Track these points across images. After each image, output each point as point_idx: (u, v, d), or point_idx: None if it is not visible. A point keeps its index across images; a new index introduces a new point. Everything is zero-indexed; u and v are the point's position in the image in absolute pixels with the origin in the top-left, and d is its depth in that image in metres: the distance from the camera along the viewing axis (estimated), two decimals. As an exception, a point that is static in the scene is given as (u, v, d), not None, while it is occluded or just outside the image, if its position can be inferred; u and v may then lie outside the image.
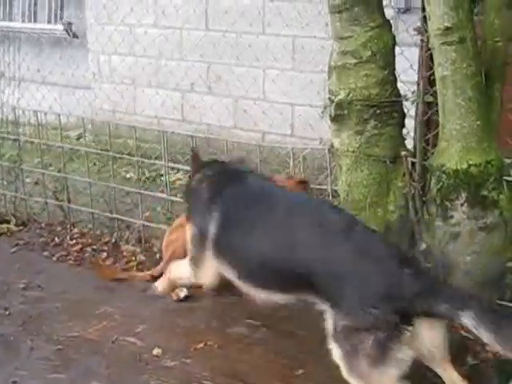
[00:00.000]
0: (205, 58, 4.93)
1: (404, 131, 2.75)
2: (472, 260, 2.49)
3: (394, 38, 2.62)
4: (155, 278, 3.02)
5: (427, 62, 2.60)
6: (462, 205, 2.51)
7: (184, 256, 2.60)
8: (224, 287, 2.53)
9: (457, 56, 2.38)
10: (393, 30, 2.68)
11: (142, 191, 3.53)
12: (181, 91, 5.10)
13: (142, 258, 3.35)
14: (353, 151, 2.65)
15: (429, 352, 2.05)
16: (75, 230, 3.66)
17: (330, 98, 2.68)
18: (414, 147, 2.73)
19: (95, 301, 2.93)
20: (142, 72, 5.22)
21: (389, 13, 2.75)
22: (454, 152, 2.49)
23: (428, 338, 2.02)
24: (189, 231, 2.48)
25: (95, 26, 5.37)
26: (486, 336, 1.87)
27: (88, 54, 5.50)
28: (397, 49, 2.66)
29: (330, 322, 2.08)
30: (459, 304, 1.93)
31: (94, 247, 3.48)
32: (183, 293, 2.85)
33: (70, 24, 5.61)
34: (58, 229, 3.69)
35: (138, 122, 4.66)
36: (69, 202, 3.70)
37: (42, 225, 3.76)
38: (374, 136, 2.63)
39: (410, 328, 1.96)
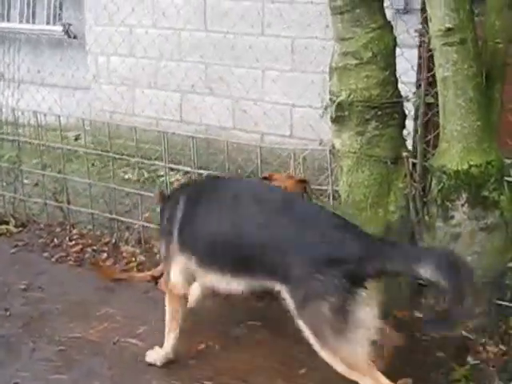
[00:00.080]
0: (205, 59, 4.93)
1: (404, 132, 2.76)
2: (473, 260, 2.49)
3: (394, 39, 2.62)
4: (155, 279, 3.03)
5: (428, 63, 2.61)
6: (462, 205, 2.51)
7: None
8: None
9: (458, 57, 2.39)
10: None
11: (142, 192, 3.53)
12: (181, 92, 5.10)
13: (141, 258, 3.35)
14: (354, 152, 2.66)
15: None
16: (75, 231, 3.67)
17: (331, 99, 2.69)
18: (415, 148, 2.74)
19: (96, 302, 2.94)
20: (142, 73, 5.21)
21: (388, 14, 2.75)
22: (455, 153, 2.50)
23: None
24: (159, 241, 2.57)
25: (94, 27, 5.37)
26: (445, 285, 1.93)
27: (87, 56, 5.50)
28: (397, 50, 2.67)
29: (288, 301, 2.11)
30: (414, 258, 2.00)
31: (94, 248, 3.49)
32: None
33: (69, 25, 5.60)
34: (58, 230, 3.69)
35: (138, 122, 4.66)
36: (68, 203, 3.70)
37: (42, 226, 3.76)
38: (375, 137, 2.63)
39: (364, 290, 1.99)
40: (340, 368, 2.05)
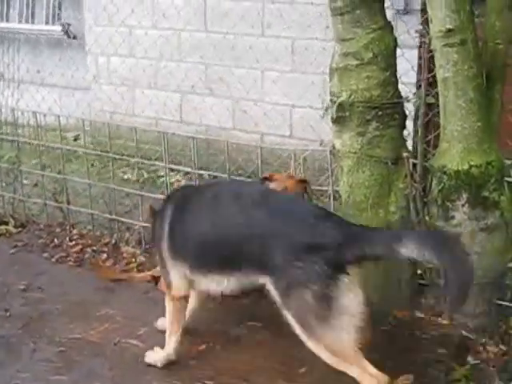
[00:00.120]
0: (205, 59, 4.93)
1: (405, 132, 2.76)
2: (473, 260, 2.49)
3: (395, 39, 2.63)
4: (156, 279, 3.03)
5: (428, 63, 2.62)
6: (463, 206, 2.52)
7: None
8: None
9: (458, 58, 2.40)
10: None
11: (142, 192, 3.53)
12: (181, 92, 5.10)
13: (142, 259, 3.35)
14: (354, 152, 2.66)
15: None
16: (74, 232, 3.66)
17: (331, 100, 2.69)
18: (415, 148, 2.75)
19: (96, 302, 2.93)
20: (142, 73, 5.21)
21: (389, 14, 2.75)
22: (455, 153, 2.50)
23: None
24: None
25: (94, 28, 5.37)
26: (430, 259, 1.96)
27: (87, 56, 5.50)
28: (398, 51, 2.67)
29: (273, 292, 2.12)
30: (394, 238, 2.00)
31: (94, 248, 3.48)
32: None
33: (68, 25, 5.60)
34: (58, 230, 3.69)
35: (138, 123, 4.66)
36: (68, 203, 3.70)
37: (41, 226, 3.76)
38: (376, 137, 2.64)
39: (346, 276, 1.99)
40: (325, 355, 2.04)
